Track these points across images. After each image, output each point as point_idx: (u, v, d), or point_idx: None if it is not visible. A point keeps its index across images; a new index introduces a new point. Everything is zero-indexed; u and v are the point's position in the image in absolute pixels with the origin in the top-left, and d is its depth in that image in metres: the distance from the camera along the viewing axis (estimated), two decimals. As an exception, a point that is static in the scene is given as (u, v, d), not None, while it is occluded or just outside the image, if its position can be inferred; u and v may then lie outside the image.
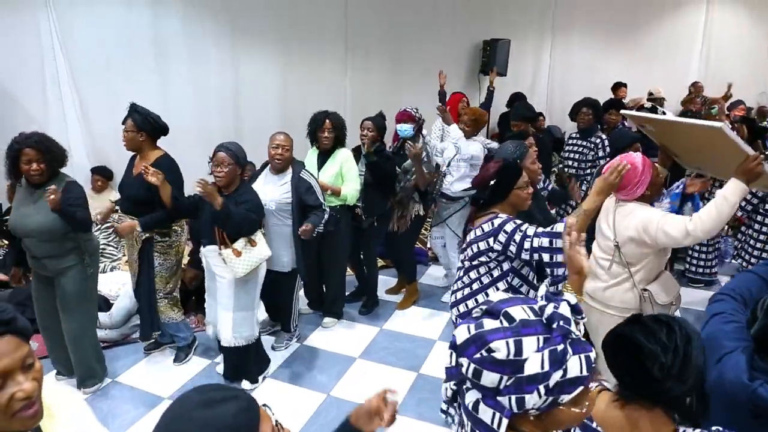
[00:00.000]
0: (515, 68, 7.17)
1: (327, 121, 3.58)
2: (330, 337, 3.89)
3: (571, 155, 4.48)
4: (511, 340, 0.92)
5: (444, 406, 1.14)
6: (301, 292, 4.25)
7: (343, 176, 3.64)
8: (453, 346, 1.02)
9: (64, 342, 3.13)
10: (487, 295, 2.35)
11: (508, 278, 2.31)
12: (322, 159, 3.69)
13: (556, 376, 0.91)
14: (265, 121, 5.20)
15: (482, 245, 2.26)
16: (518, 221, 2.22)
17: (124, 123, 3.21)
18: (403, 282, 4.47)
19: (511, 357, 0.91)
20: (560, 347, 0.92)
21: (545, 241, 2.08)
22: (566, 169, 4.54)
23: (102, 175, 4.77)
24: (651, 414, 1.27)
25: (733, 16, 8.96)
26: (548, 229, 2.12)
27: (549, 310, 0.97)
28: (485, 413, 0.96)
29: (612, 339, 1.33)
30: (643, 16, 8.40)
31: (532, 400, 0.92)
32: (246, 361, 3.24)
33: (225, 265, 3.00)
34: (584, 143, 4.38)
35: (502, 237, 2.19)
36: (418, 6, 6.46)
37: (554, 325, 0.94)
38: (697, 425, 1.26)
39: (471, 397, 0.99)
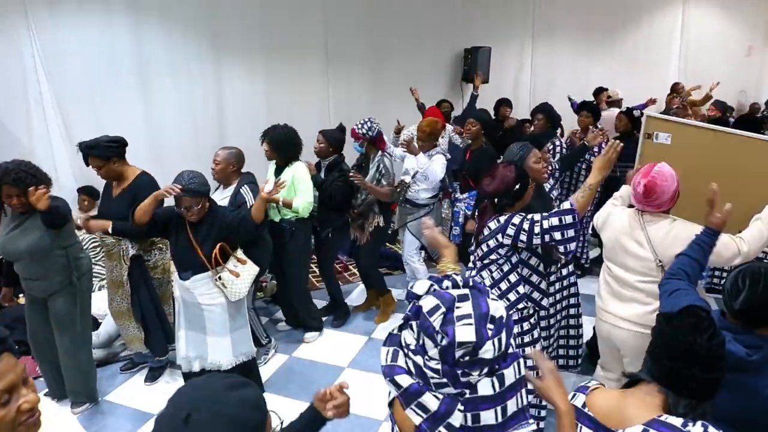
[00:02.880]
0: (497, 75, 7.25)
1: (265, 142, 3.70)
2: (316, 349, 3.90)
3: None
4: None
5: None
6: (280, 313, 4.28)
7: (295, 189, 3.64)
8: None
9: (56, 363, 3.13)
10: (499, 289, 2.47)
11: (518, 269, 2.46)
12: (278, 172, 3.73)
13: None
14: (250, 134, 5.20)
15: (491, 243, 2.40)
16: (522, 213, 2.36)
17: (88, 165, 3.11)
18: (373, 296, 4.39)
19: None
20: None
21: (554, 221, 2.24)
22: None
23: (88, 194, 4.77)
24: (646, 397, 1.35)
25: (709, 16, 9.14)
26: (554, 210, 2.28)
27: (461, 276, 1.20)
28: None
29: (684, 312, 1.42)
30: (621, 18, 8.54)
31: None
32: (249, 377, 3.16)
33: (216, 292, 2.88)
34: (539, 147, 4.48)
35: (510, 230, 2.33)
36: (397, 15, 6.51)
37: (470, 282, 1.18)
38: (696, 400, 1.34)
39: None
